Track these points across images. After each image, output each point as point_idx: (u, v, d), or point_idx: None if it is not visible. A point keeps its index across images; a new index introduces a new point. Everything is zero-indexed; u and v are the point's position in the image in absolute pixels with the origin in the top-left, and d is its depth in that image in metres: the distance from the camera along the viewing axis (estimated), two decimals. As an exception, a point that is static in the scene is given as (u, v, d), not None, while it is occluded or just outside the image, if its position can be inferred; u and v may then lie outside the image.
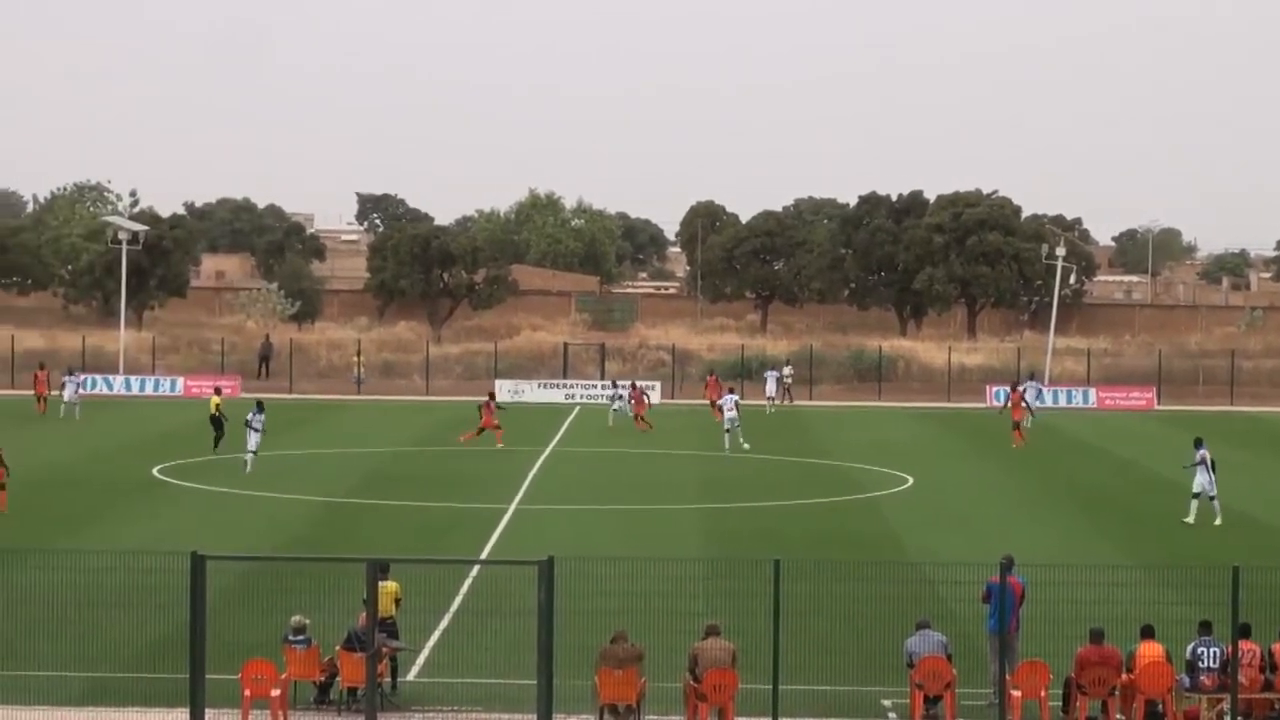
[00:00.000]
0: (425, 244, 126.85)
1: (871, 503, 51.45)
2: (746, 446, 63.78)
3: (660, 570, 30.80)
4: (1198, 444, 48.42)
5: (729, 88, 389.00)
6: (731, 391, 68.28)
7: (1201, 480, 47.68)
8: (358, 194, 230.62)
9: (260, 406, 57.58)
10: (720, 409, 69.24)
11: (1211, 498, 47.63)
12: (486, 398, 67.46)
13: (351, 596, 27.10)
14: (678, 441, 67.63)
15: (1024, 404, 70.38)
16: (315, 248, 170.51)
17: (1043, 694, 26.20)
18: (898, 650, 27.32)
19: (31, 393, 78.73)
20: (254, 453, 55.90)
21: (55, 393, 76.55)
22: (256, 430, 56.18)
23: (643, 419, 72.05)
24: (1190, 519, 47.48)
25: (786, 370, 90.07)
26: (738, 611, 29.19)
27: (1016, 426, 68.20)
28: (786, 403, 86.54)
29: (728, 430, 64.37)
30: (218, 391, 64.83)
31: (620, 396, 76.12)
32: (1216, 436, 71.51)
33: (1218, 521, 47.07)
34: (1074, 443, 70.73)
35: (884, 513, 49.13)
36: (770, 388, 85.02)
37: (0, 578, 30.43)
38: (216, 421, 60.85)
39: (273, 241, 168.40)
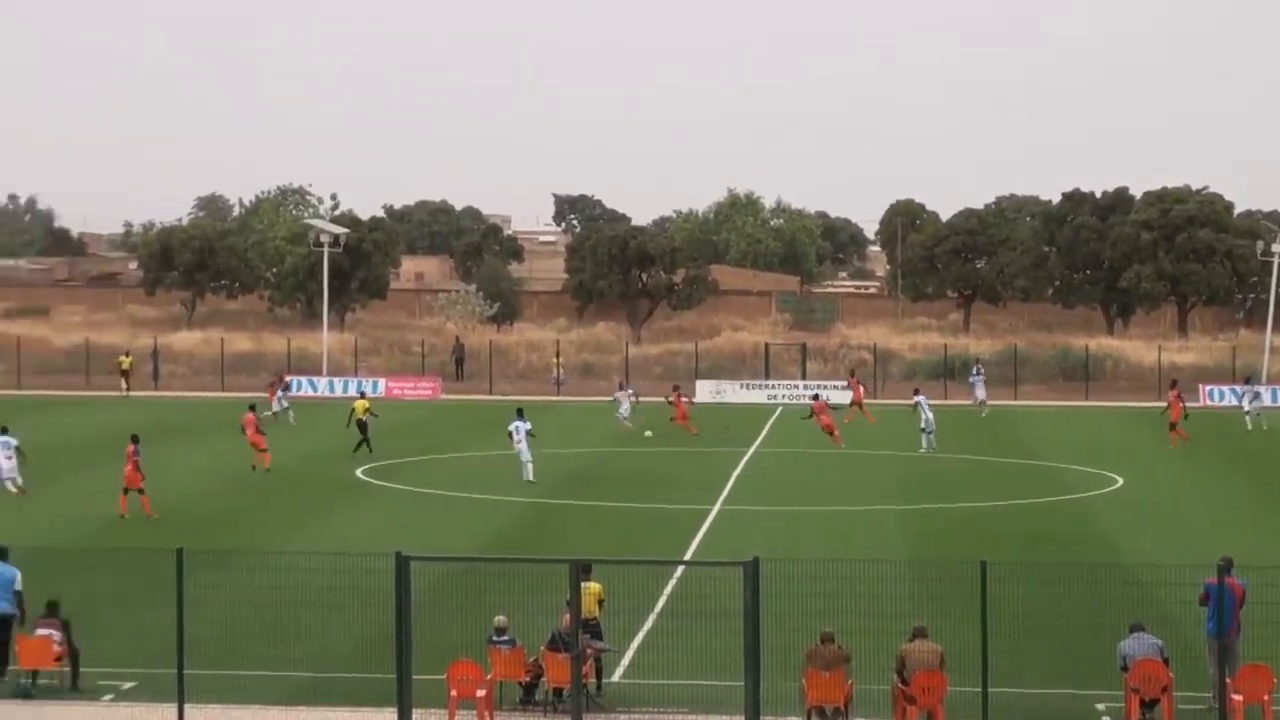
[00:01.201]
0: (623, 244, 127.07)
1: (1081, 504, 50.61)
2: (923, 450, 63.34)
3: (866, 571, 30.45)
4: None
5: (927, 84, 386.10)
6: (919, 392, 67.44)
7: None
8: (554, 195, 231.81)
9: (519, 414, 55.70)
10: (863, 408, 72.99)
11: None
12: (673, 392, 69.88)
13: (555, 597, 26.99)
14: (878, 442, 66.98)
15: (1181, 404, 68.34)
16: (513, 249, 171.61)
17: (1266, 698, 25.50)
18: (1111, 654, 26.71)
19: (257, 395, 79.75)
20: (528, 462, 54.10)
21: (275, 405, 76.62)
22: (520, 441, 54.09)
23: (684, 419, 69.79)
24: None
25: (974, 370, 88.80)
26: (945, 614, 28.71)
27: (1174, 427, 66.46)
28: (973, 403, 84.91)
29: (927, 431, 63.48)
30: (363, 395, 65.47)
31: (627, 398, 73.99)
32: None
33: None
34: (1289, 442, 69.16)
35: (1094, 514, 48.30)
36: (980, 392, 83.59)
37: (211, 579, 30.78)
38: (362, 426, 61.32)
39: (471, 243, 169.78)
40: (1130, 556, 39.81)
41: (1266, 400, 70.36)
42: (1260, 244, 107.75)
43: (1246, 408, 73.20)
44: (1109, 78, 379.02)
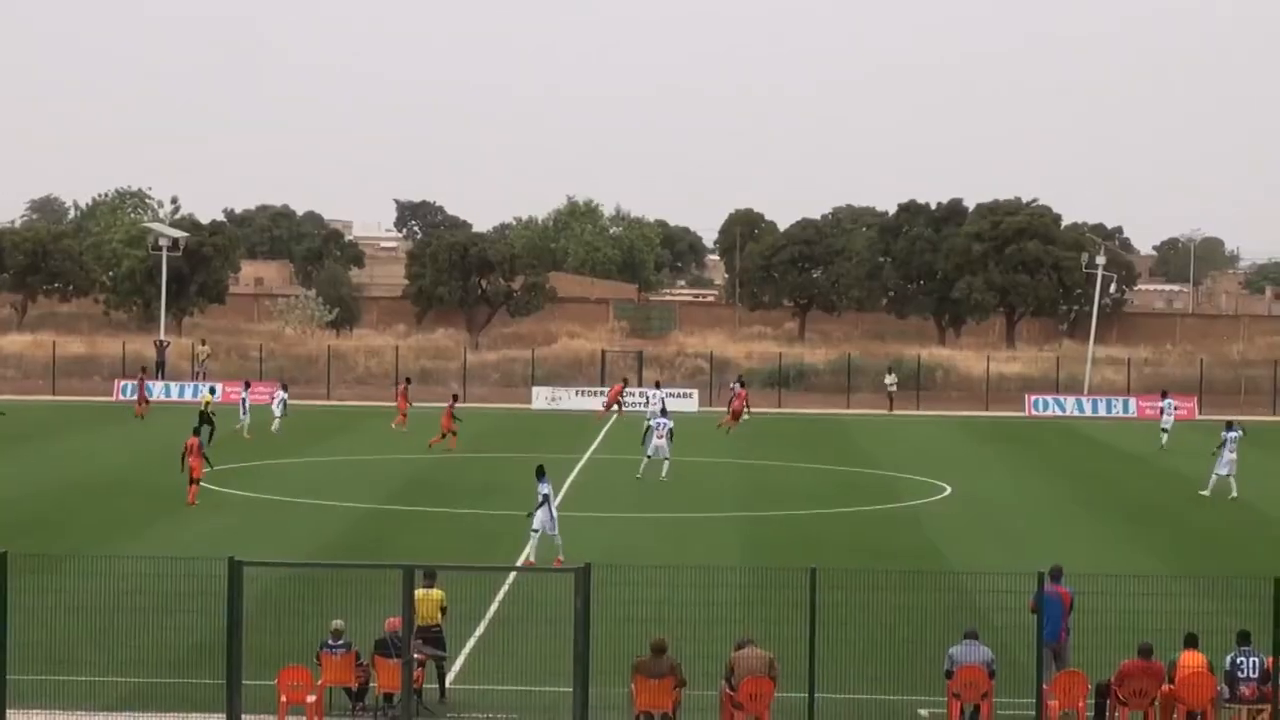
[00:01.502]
0: (463, 251, 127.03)
1: (910, 511, 51.35)
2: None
3: (698, 578, 30.80)
4: (1229, 426, 53.62)
5: (768, 94, 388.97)
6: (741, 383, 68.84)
7: (1226, 459, 52.43)
8: (396, 201, 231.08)
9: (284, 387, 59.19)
10: (738, 418, 73.09)
11: (1222, 475, 51.81)
12: (450, 401, 69.14)
13: (393, 603, 27.12)
14: (715, 449, 67.51)
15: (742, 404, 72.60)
16: (353, 255, 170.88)
17: (1080, 704, 26.12)
18: (936, 660, 27.21)
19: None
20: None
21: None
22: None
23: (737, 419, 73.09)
24: (1229, 493, 52.27)
25: (890, 379, 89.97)
26: (776, 620, 29.14)
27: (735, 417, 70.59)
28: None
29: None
30: (211, 390, 66.04)
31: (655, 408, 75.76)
32: (1258, 446, 71.37)
33: (1204, 493, 53.18)
34: (1113, 452, 70.51)
35: (922, 522, 49.04)
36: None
37: (42, 584, 30.55)
38: (205, 417, 62.81)
39: (311, 248, 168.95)
40: (956, 564, 40.51)
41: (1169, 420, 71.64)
42: (1086, 256, 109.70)
43: (1166, 422, 73.02)
44: (943, 91, 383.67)
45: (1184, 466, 64.30)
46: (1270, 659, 25.80)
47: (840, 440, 73.40)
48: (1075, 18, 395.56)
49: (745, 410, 74.70)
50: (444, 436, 65.31)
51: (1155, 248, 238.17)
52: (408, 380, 79.88)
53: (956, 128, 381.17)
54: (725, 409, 76.99)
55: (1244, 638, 26.52)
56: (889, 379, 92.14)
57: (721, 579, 32.28)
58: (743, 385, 77.61)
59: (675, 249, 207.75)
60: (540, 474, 40.27)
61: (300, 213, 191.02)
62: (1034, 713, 25.90)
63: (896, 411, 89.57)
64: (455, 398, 72.46)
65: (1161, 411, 73.39)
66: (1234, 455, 53.18)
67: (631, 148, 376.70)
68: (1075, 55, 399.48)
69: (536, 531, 39.67)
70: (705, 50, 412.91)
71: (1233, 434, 53.50)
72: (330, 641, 27.00)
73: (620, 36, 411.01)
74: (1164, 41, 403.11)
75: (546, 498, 39.90)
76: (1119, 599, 29.02)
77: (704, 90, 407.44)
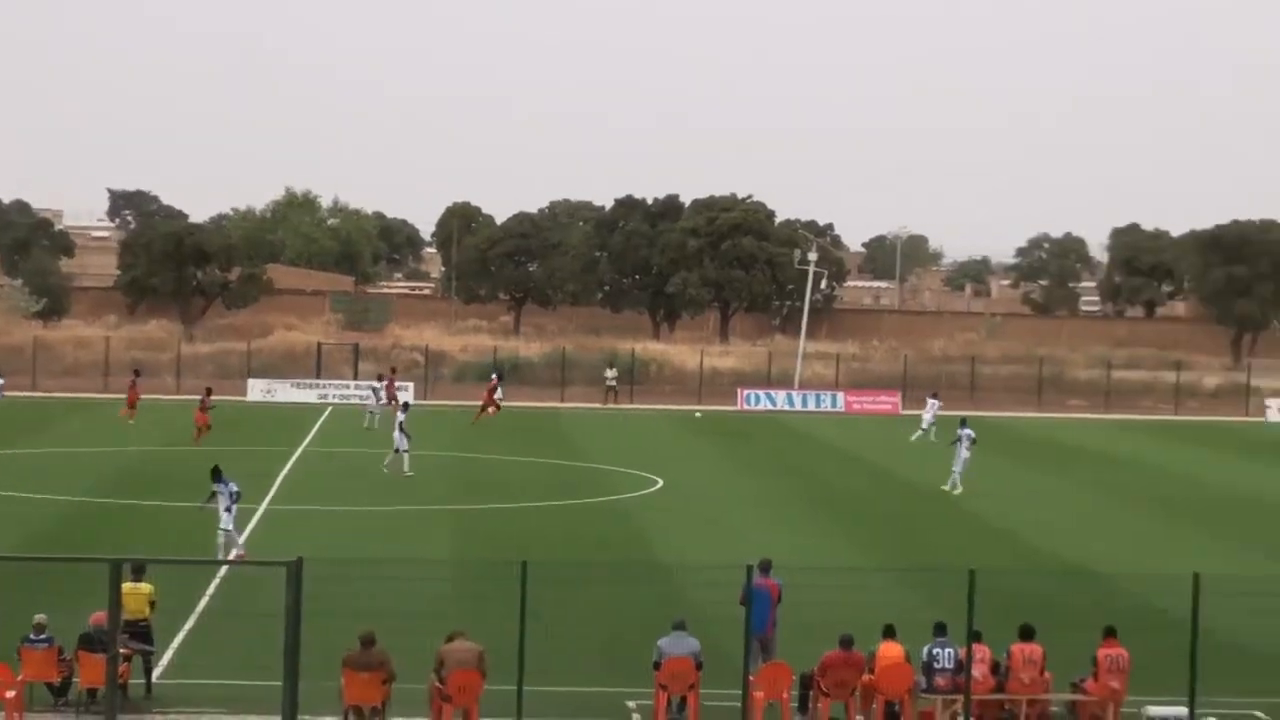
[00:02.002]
0: (178, 241, 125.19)
1: (621, 505, 51.83)
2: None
3: (409, 571, 30.88)
4: (962, 423, 55.43)
5: (484, 86, 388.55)
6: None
7: (962, 455, 53.93)
8: (109, 190, 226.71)
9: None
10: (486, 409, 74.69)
11: (957, 471, 53.49)
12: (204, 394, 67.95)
13: (100, 598, 26.77)
14: (431, 443, 67.49)
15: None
16: (63, 244, 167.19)
17: (785, 695, 26.66)
18: (645, 652, 27.57)
19: None
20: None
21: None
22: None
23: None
24: (948, 487, 53.93)
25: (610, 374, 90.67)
26: (487, 613, 29.32)
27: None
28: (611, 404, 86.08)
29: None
30: None
31: (376, 395, 76.13)
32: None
33: (949, 489, 53.99)
34: (822, 446, 71.83)
35: (633, 515, 49.52)
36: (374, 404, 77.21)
37: None
38: None
39: (18, 237, 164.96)
40: (666, 557, 41.03)
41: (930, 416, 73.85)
42: (798, 253, 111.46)
43: (928, 420, 74.88)
44: (658, 87, 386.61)
45: (888, 460, 65.84)
46: (965, 650, 26.57)
47: (554, 434, 73.78)
48: (780, 18, 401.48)
49: (494, 403, 75.59)
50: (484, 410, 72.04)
51: (864, 245, 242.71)
52: (136, 373, 78.72)
53: (673, 124, 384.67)
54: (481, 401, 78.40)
55: (940, 629, 27.26)
56: (609, 373, 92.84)
57: (433, 572, 32.43)
58: (499, 377, 79.45)
59: (393, 241, 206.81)
60: (216, 475, 39.18)
61: (8, 201, 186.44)
62: (740, 704, 26.40)
63: (612, 405, 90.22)
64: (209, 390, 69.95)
65: (926, 406, 75.91)
66: (968, 453, 54.46)
67: (350, 139, 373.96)
68: (786, 55, 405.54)
69: (228, 530, 38.78)
70: (418, 44, 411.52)
71: (966, 431, 54.89)
72: (32, 636, 26.59)
73: (337, 26, 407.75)
74: (867, 41, 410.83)
75: (231, 495, 38.75)
76: (823, 591, 29.77)
77: (419, 81, 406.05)
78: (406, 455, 56.36)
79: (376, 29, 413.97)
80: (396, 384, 79.54)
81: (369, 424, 72.69)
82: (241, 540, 39.60)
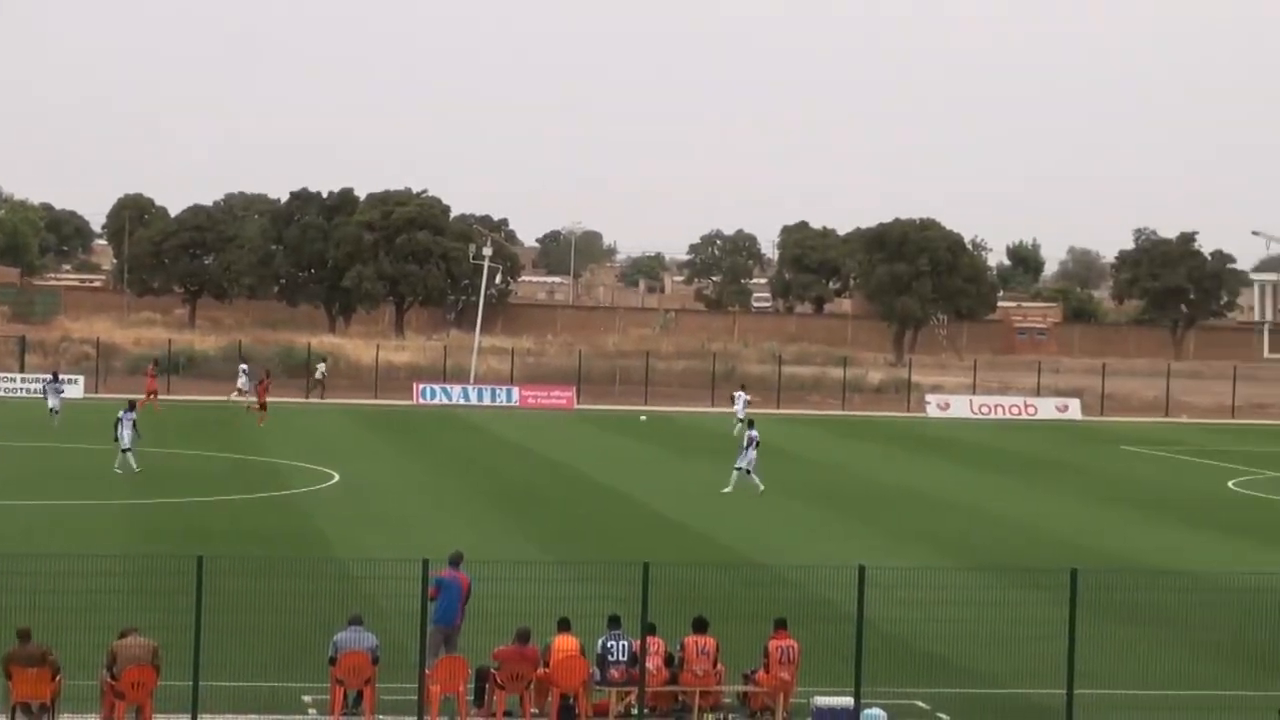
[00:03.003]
0: None
1: (297, 499, 51.54)
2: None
3: (80, 566, 30.39)
4: (750, 424, 56.36)
5: (151, 78, 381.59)
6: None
7: (748, 456, 54.35)
8: None
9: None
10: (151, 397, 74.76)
11: (747, 471, 54.13)
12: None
13: None
14: (104, 437, 66.25)
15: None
16: None
17: (461, 689, 26.82)
18: (322, 647, 27.53)
19: None
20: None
21: None
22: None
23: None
24: (729, 489, 54.08)
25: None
26: (160, 609, 28.99)
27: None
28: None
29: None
30: None
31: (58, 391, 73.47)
32: (630, 435, 74.29)
33: (746, 488, 53.96)
34: (497, 440, 72.15)
35: (309, 509, 49.27)
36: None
37: None
38: None
39: None
40: (342, 551, 40.95)
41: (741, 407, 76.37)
42: (473, 248, 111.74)
43: (739, 412, 76.35)
44: (330, 81, 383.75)
45: (562, 454, 66.40)
46: (638, 642, 27.00)
47: (229, 427, 72.97)
48: (468, 18, 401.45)
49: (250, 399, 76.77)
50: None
51: (539, 240, 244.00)
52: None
53: (348, 117, 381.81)
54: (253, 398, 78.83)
55: (614, 622, 27.65)
56: (320, 367, 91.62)
57: (104, 567, 31.91)
58: (267, 375, 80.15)
59: (61, 233, 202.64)
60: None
61: None
62: (416, 698, 26.50)
63: (315, 400, 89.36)
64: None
65: (733, 400, 79.70)
66: (754, 453, 54.88)
67: (17, 129, 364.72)
68: (458, 49, 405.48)
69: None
70: (79, 34, 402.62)
71: (753, 432, 55.47)
72: None
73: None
74: (535, 38, 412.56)
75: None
76: (499, 584, 30.00)
77: (84, 73, 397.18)
78: (131, 453, 55.13)
79: (36, 19, 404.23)
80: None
81: (55, 422, 70.31)
82: None
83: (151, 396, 77.70)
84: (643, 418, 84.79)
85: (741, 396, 78.76)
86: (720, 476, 55.61)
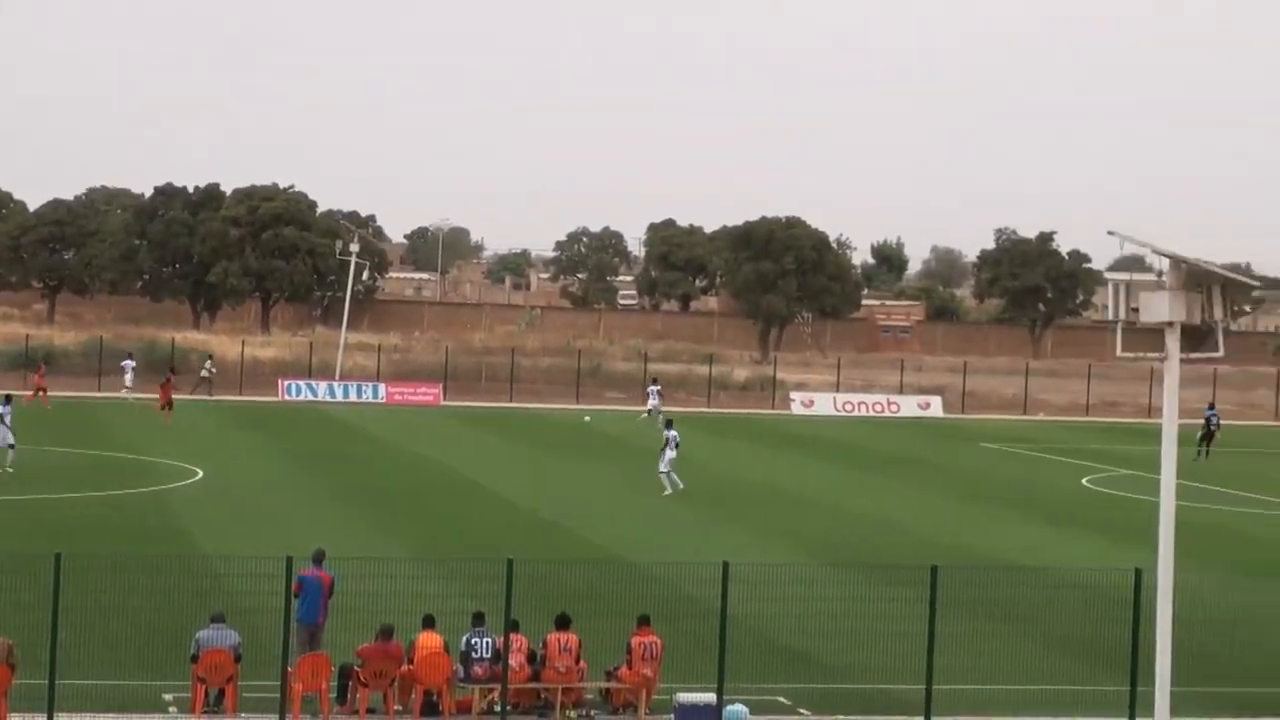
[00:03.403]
0: None
1: (159, 496, 51.18)
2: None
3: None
4: (668, 424, 56.29)
5: (10, 69, 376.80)
6: None
7: (668, 456, 54.44)
8: None
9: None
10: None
11: (664, 472, 54.30)
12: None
13: None
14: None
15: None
16: None
17: (324, 686, 26.81)
18: (184, 644, 27.41)
19: None
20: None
21: None
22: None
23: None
24: (669, 491, 54.02)
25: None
26: (17, 606, 28.77)
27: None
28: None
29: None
30: None
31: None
32: (498, 432, 74.34)
33: (670, 492, 53.92)
34: (363, 437, 71.95)
35: (172, 506, 48.95)
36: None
37: None
38: None
39: None
40: (208, 548, 40.74)
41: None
42: (340, 243, 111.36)
43: (651, 405, 77.37)
44: (200, 73, 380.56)
45: (429, 451, 66.34)
46: (502, 639, 27.11)
47: (90, 423, 72.34)
48: (376, 12, 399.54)
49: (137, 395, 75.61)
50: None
51: (406, 236, 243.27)
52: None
53: (211, 113, 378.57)
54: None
55: (479, 619, 27.74)
56: (209, 364, 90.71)
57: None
58: (173, 373, 79.90)
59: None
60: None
61: None
62: (279, 696, 26.46)
63: (203, 396, 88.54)
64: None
65: (648, 397, 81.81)
66: (674, 453, 54.91)
67: None
68: (329, 47, 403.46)
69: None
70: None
71: (672, 433, 55.41)
72: None
73: None
74: (413, 35, 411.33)
75: None
76: (363, 581, 30.00)
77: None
78: (12, 450, 54.34)
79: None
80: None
81: None
82: None
83: (41, 393, 77.43)
84: (586, 418, 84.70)
85: (654, 390, 79.70)
86: (586, 473, 55.70)
